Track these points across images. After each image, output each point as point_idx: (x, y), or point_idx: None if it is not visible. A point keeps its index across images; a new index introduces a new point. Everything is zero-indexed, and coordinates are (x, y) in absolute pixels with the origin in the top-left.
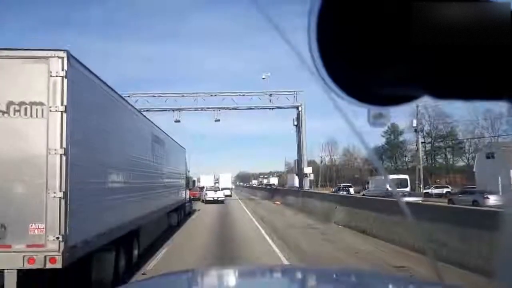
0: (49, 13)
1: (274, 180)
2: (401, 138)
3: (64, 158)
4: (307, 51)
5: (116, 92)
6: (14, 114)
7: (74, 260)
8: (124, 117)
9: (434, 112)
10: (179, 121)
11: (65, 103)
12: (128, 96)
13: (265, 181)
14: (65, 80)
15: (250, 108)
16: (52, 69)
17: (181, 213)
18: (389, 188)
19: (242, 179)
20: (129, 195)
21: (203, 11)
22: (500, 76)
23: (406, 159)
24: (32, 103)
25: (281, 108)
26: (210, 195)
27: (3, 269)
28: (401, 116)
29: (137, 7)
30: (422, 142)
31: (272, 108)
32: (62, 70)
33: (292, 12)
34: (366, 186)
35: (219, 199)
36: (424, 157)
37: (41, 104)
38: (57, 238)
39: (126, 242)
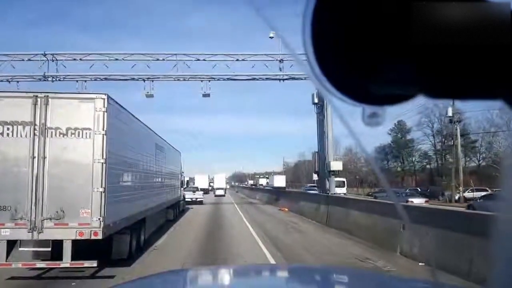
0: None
1: (263, 181)
2: (408, 137)
3: (104, 165)
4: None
5: (133, 115)
6: (71, 136)
7: (107, 235)
8: (137, 132)
9: (445, 109)
10: (152, 96)
11: (105, 128)
12: (79, 59)
13: (261, 181)
14: (105, 114)
15: (253, 79)
16: (97, 106)
17: (176, 209)
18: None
19: (238, 179)
20: (139, 192)
21: None
22: (499, 76)
23: (414, 159)
24: (83, 129)
25: (295, 78)
26: (189, 195)
27: (63, 239)
28: (409, 113)
29: None
30: (461, 135)
31: (283, 79)
32: (103, 107)
33: (290, 11)
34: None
35: (198, 199)
36: (433, 157)
37: (89, 129)
38: (99, 219)
39: (136, 228)
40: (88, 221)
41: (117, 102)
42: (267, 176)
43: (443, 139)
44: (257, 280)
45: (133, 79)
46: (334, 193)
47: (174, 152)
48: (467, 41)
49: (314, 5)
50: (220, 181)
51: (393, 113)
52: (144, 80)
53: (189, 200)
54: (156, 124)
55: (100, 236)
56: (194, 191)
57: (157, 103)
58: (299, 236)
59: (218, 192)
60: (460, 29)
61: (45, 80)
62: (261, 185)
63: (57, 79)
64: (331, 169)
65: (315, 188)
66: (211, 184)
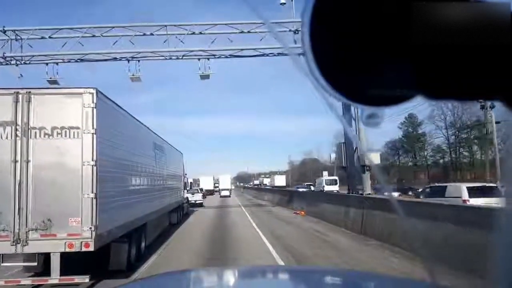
0: None
1: (267, 181)
2: (420, 130)
3: (95, 168)
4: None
5: (127, 112)
6: (57, 136)
7: (101, 245)
8: (133, 131)
9: None
10: (139, 79)
11: (95, 127)
12: (48, 37)
13: (265, 180)
14: (95, 110)
15: (262, 55)
16: (85, 102)
17: (180, 212)
18: (325, 186)
19: (243, 179)
20: (138, 196)
21: None
22: (498, 76)
23: (426, 154)
24: (70, 127)
25: None
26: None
27: (50, 252)
28: (420, 106)
29: None
30: (496, 122)
31: (298, 54)
32: (92, 102)
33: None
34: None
35: (197, 202)
36: (447, 151)
37: (77, 128)
38: (90, 228)
39: (136, 235)
40: (78, 231)
41: (107, 97)
42: (269, 175)
43: (457, 132)
44: (263, 282)
45: (115, 59)
46: (369, 194)
47: (175, 153)
48: (467, 41)
49: (313, 4)
50: (225, 182)
51: (402, 107)
52: (128, 60)
53: None
54: (156, 126)
55: (92, 248)
56: (193, 193)
57: (156, 102)
58: (333, 252)
59: (224, 193)
60: (460, 29)
61: (7, 64)
62: (265, 184)
63: (22, 61)
64: (366, 163)
65: (310, 186)
66: (217, 185)
